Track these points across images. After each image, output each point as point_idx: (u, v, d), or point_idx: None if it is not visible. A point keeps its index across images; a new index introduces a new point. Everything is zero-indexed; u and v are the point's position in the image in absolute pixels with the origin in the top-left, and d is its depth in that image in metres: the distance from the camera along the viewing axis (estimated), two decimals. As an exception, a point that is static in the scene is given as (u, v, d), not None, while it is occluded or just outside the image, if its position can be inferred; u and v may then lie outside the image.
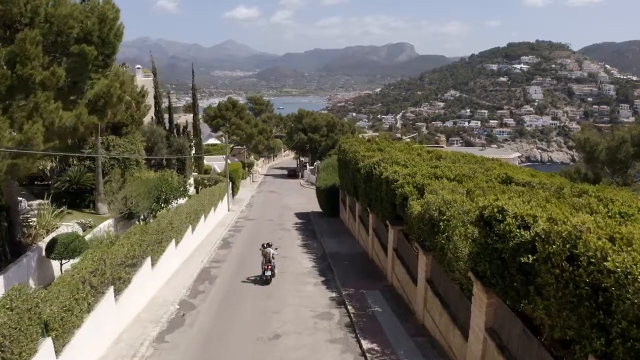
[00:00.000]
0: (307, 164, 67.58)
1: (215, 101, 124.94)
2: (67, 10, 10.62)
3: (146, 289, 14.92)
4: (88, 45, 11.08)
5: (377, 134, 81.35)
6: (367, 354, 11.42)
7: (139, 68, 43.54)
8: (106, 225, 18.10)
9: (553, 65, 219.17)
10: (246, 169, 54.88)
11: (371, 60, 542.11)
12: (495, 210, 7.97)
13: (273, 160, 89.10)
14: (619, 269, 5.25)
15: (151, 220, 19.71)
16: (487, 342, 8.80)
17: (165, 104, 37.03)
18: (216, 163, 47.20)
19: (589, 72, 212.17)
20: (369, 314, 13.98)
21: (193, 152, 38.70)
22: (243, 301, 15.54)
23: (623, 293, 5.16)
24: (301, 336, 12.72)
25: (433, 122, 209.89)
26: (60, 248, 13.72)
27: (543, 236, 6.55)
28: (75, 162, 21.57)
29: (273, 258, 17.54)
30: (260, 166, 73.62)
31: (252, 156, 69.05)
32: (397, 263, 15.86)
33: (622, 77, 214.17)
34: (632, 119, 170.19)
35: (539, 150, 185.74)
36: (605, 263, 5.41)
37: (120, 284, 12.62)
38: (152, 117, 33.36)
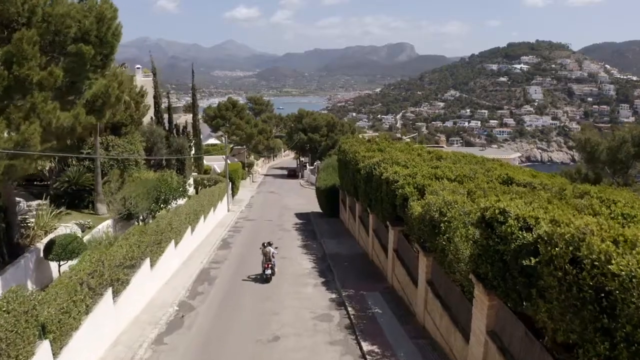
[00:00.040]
0: (307, 164, 67.52)
1: (215, 101, 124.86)
2: (65, 9, 10.53)
3: (145, 291, 14.84)
4: (85, 44, 10.99)
5: (377, 134, 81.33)
6: (367, 356, 11.34)
7: (138, 68, 43.46)
8: (105, 226, 18.01)
9: (553, 65, 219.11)
10: (246, 169, 54.81)
11: (371, 60, 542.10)
12: (497, 211, 7.89)
13: (273, 160, 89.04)
14: (623, 272, 5.17)
15: (150, 221, 19.63)
16: (488, 344, 8.71)
17: (164, 104, 36.94)
18: (216, 163, 47.12)
19: (589, 72, 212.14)
20: (369, 315, 13.90)
21: (193, 152, 38.63)
22: (242, 302, 15.45)
23: (627, 297, 5.07)
24: (301, 338, 12.63)
25: (433, 122, 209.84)
26: (58, 249, 13.63)
27: (546, 238, 6.47)
28: (74, 162, 21.48)
29: (273, 257, 17.69)
30: (260, 166, 73.56)
31: (252, 156, 69.00)
32: (398, 264, 15.78)
33: (622, 77, 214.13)
34: (632, 119, 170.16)
35: (539, 150, 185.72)
36: (609, 266, 5.32)
37: (118, 285, 12.53)
38: (151, 117, 33.28)
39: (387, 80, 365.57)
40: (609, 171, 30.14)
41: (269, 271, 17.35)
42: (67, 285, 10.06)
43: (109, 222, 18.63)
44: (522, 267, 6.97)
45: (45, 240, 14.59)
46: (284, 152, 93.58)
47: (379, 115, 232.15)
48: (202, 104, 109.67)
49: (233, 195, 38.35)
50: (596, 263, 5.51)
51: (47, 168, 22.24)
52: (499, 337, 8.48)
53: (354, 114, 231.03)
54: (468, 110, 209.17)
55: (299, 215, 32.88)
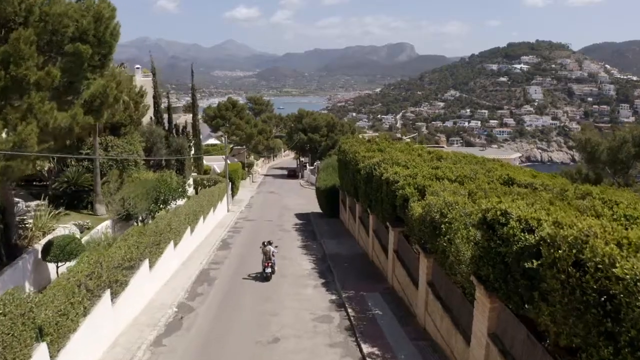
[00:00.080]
0: (307, 164, 67.45)
1: (215, 101, 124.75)
2: (62, 8, 10.44)
3: (144, 292, 14.75)
4: (83, 44, 10.90)
5: (377, 134, 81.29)
6: (368, 359, 11.26)
7: (138, 68, 43.41)
8: (104, 227, 17.94)
9: (553, 65, 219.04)
10: (246, 169, 54.73)
11: (371, 60, 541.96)
12: (499, 213, 7.80)
13: (273, 160, 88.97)
14: (627, 276, 5.08)
15: (149, 222, 19.55)
16: (489, 347, 8.63)
17: (164, 104, 36.86)
18: (216, 163, 47.04)
19: (589, 72, 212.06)
20: (369, 317, 13.82)
21: (192, 152, 38.56)
22: (242, 303, 15.37)
23: (632, 301, 4.99)
24: (300, 340, 12.55)
25: (433, 122, 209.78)
26: (56, 250, 13.56)
27: (548, 240, 6.38)
28: (73, 163, 21.41)
29: (273, 255, 17.96)
30: (260, 166, 73.49)
31: (252, 156, 68.92)
32: (398, 265, 15.70)
33: (622, 77, 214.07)
34: (632, 119, 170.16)
35: (539, 150, 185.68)
36: (613, 269, 5.24)
37: (117, 287, 12.45)
38: (151, 117, 33.22)
39: (387, 80, 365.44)
40: (610, 171, 30.07)
41: (269, 270, 17.59)
42: (65, 287, 9.99)
43: (107, 222, 18.56)
44: (524, 270, 6.88)
45: (44, 241, 14.52)
46: (284, 152, 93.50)
47: (379, 115, 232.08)
48: (202, 104, 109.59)
49: (233, 196, 38.27)
50: (600, 266, 5.42)
51: (46, 168, 22.19)
52: (501, 339, 8.39)
53: (354, 114, 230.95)
54: (468, 110, 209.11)
55: (298, 216, 32.80)
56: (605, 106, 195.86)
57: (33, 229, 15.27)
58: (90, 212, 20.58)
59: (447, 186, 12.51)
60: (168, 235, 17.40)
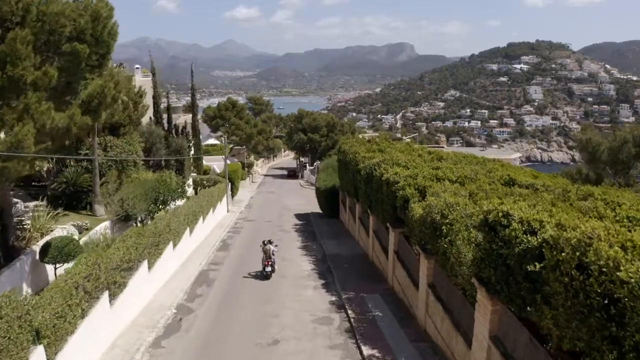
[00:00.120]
0: (307, 165, 67.36)
1: (215, 101, 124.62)
2: (59, 8, 10.33)
3: (142, 293, 14.66)
4: (81, 44, 10.80)
5: (377, 134, 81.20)
6: (368, 361, 11.17)
7: (137, 68, 43.30)
8: (102, 228, 17.83)
9: (553, 65, 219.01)
10: (245, 169, 54.63)
11: (371, 60, 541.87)
12: (500, 214, 7.71)
13: (273, 160, 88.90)
14: (632, 280, 5.00)
15: (149, 222, 19.45)
16: (491, 350, 8.54)
17: (164, 104, 36.76)
18: (215, 163, 46.94)
19: (589, 72, 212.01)
20: (369, 318, 13.73)
21: (192, 152, 38.46)
22: (241, 305, 15.29)
23: (637, 305, 4.90)
24: (300, 342, 12.46)
25: (433, 122, 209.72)
26: (54, 252, 13.45)
27: (551, 243, 6.30)
28: (72, 163, 21.31)
29: (273, 254, 18.20)
30: (260, 166, 73.40)
31: (252, 156, 68.83)
32: (398, 266, 15.61)
33: (622, 77, 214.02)
34: (632, 119, 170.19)
35: (539, 150, 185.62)
36: (618, 273, 5.15)
37: (115, 288, 12.36)
38: (150, 118, 33.11)
39: (387, 80, 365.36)
40: (610, 172, 30.01)
41: (269, 268, 17.85)
42: (63, 289, 9.91)
43: (106, 223, 18.46)
44: (527, 272, 6.80)
45: (42, 242, 14.41)
46: (284, 152, 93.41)
47: (379, 115, 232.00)
48: (202, 104, 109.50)
49: (232, 196, 38.18)
50: (604, 269, 5.34)
51: (45, 169, 22.09)
52: (502, 342, 8.31)
53: (354, 114, 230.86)
54: (468, 110, 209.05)
55: (298, 216, 32.71)
56: (605, 106, 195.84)
57: (31, 230, 15.16)
58: (89, 213, 20.47)
59: (448, 187, 12.41)
60: (167, 236, 17.32)
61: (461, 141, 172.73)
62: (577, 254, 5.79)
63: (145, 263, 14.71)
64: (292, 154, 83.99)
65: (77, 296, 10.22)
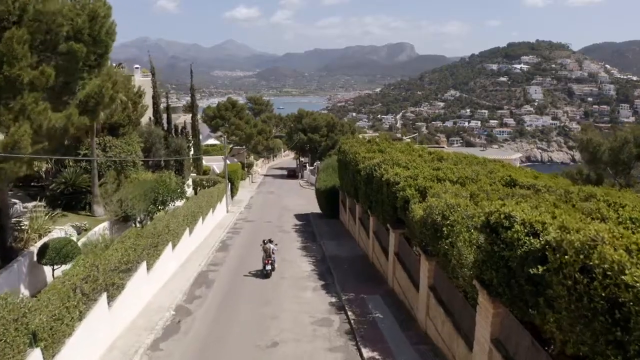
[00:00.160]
0: (307, 165, 67.26)
1: (215, 101, 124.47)
2: (57, 7, 10.24)
3: (141, 295, 14.57)
4: (78, 43, 10.70)
5: (377, 134, 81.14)
6: (368, 363, 11.08)
7: (137, 68, 43.23)
8: (101, 228, 17.75)
9: (553, 65, 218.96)
10: (245, 169, 54.52)
11: (371, 60, 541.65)
12: (502, 216, 7.61)
13: (273, 160, 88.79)
14: (638, 284, 4.91)
15: (148, 223, 19.36)
16: (492, 353, 8.44)
17: (163, 104, 36.66)
18: (215, 164, 46.84)
19: (589, 72, 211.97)
20: (369, 320, 13.63)
21: (191, 152, 38.37)
22: (241, 306, 15.19)
23: (643, 309, 4.82)
24: (300, 344, 12.37)
25: (433, 122, 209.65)
26: (51, 253, 13.36)
27: (554, 245, 6.20)
28: (71, 163, 21.22)
29: (273, 253, 18.43)
30: (260, 166, 73.28)
31: (252, 156, 68.70)
32: (399, 268, 15.52)
33: (622, 77, 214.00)
34: (632, 119, 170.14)
35: (539, 150, 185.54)
36: (622, 277, 5.06)
37: (113, 290, 12.27)
38: (150, 118, 33.02)
39: (387, 80, 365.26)
40: (611, 172, 29.94)
41: (269, 267, 18.11)
42: (60, 291, 9.82)
43: (105, 224, 18.37)
44: (529, 275, 6.70)
45: (39, 243, 14.32)
46: (284, 152, 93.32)
47: (379, 115, 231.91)
48: (202, 104, 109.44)
49: (232, 196, 38.09)
50: (609, 273, 5.24)
51: (43, 169, 22.00)
52: (504, 345, 8.21)
53: (354, 114, 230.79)
54: (468, 110, 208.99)
55: (298, 217, 32.62)
56: (605, 106, 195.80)
57: (29, 231, 15.08)
58: (88, 214, 20.39)
59: (449, 188, 12.31)
60: (166, 237, 17.23)
61: (461, 141, 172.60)
62: (581, 256, 5.69)
63: (144, 264, 14.62)
64: (292, 154, 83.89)
65: (75, 298, 10.14)
